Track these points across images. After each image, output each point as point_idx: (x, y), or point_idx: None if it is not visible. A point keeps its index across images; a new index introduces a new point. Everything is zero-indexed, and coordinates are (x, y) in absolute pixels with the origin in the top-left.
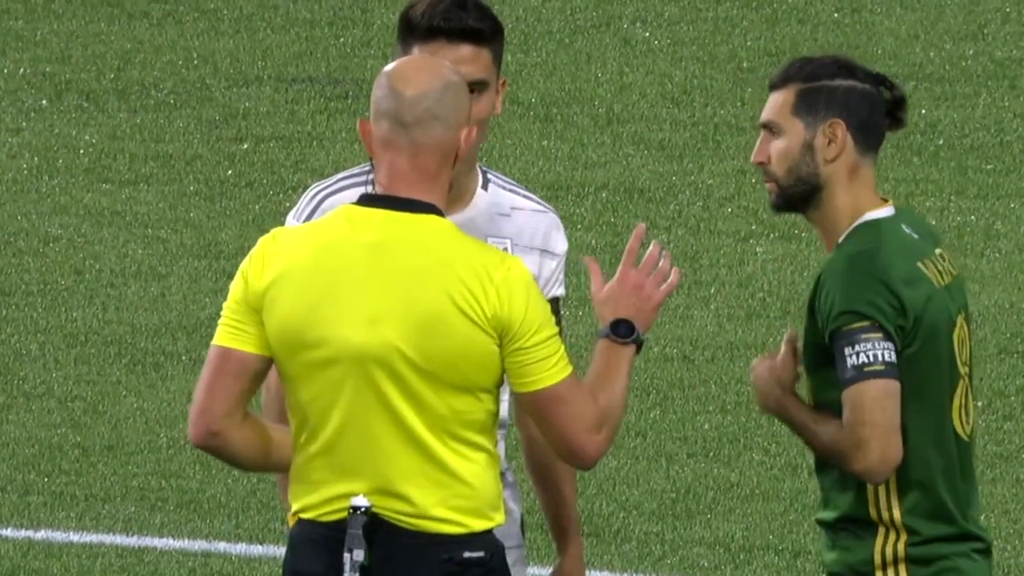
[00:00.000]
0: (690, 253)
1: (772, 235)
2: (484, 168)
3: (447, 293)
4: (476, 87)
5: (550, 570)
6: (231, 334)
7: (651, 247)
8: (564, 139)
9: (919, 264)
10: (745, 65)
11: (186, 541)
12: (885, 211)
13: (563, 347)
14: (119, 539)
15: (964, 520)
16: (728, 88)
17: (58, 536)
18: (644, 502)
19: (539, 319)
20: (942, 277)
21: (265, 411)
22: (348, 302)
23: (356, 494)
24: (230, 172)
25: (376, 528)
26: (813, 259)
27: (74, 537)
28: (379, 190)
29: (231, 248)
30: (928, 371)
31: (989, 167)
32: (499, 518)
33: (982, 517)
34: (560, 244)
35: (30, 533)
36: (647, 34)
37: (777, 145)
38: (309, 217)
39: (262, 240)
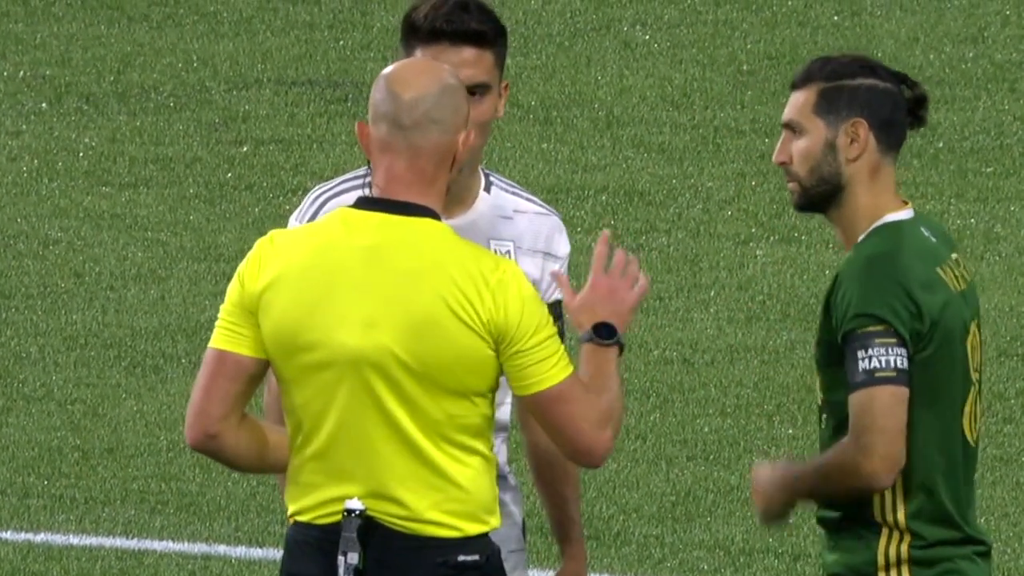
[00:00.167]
0: (690, 256)
1: (772, 238)
2: (487, 171)
3: (442, 297)
4: (478, 90)
5: (551, 574)
6: (227, 337)
7: (617, 252)
8: (564, 142)
9: (937, 269)
10: (745, 68)
11: (186, 544)
12: (905, 213)
13: (563, 347)
14: (119, 542)
15: (966, 524)
16: (728, 91)
17: (58, 539)
18: (644, 505)
19: (536, 321)
20: (958, 283)
21: (267, 411)
22: (343, 305)
23: (351, 497)
24: (230, 175)
25: (370, 531)
26: (813, 262)
27: (74, 540)
28: (376, 193)
29: (231, 251)
30: (941, 376)
31: (989, 170)
32: (494, 522)
33: (981, 520)
34: (563, 247)
35: (30, 536)
36: (647, 37)
37: (799, 145)
38: (311, 219)
39: (258, 243)
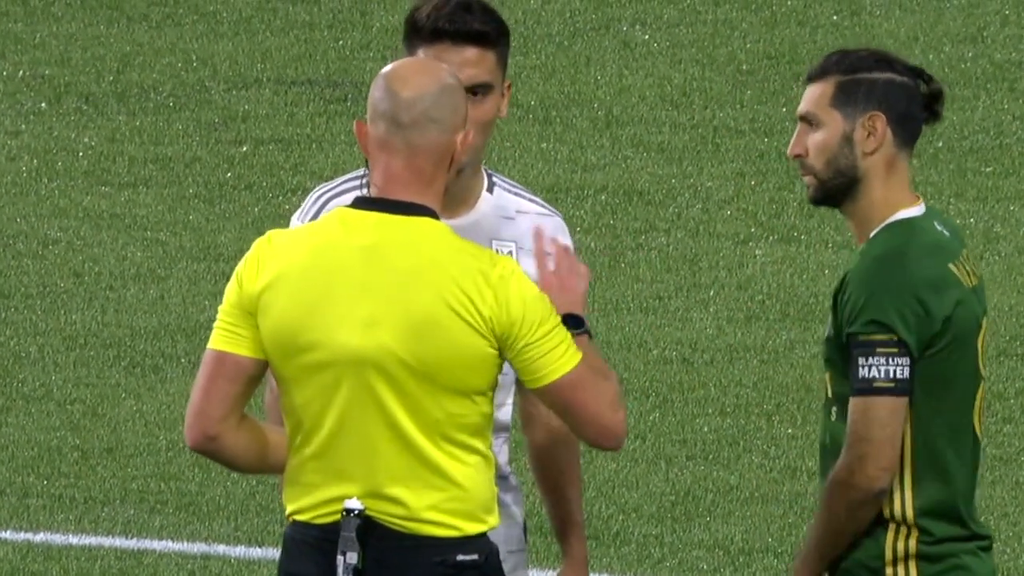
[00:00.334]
0: (689, 256)
1: (771, 238)
2: (489, 171)
3: (442, 296)
4: (480, 90)
5: (551, 574)
6: (226, 338)
7: (557, 249)
8: (563, 141)
9: (950, 265)
10: (744, 68)
11: (185, 544)
12: (917, 209)
13: (567, 335)
14: (118, 541)
15: (972, 519)
16: (727, 91)
17: (57, 539)
18: (643, 505)
19: (540, 312)
20: (970, 278)
21: (267, 411)
22: (343, 305)
23: (349, 496)
24: (229, 175)
25: (369, 531)
26: (812, 262)
27: (73, 540)
28: (374, 192)
29: (230, 251)
30: (954, 372)
31: (988, 169)
32: (493, 521)
33: (980, 519)
34: None
35: (29, 536)
36: (646, 37)
37: (815, 137)
38: (313, 219)
39: (257, 243)
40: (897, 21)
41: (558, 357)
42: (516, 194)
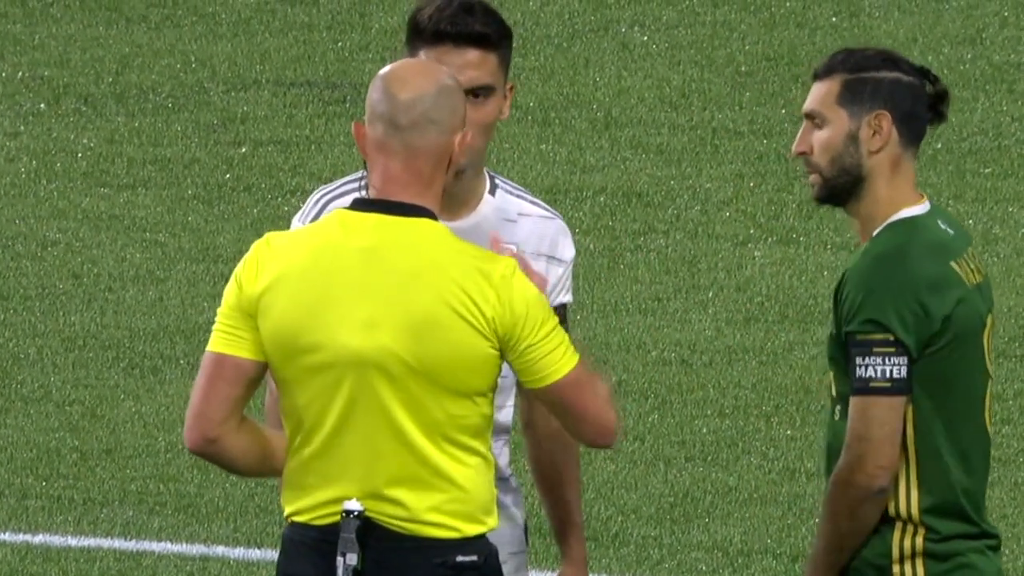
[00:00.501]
0: (688, 257)
1: (770, 239)
2: (492, 173)
3: (442, 297)
4: (482, 92)
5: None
6: (226, 340)
7: (506, 251)
8: (562, 143)
9: (952, 264)
10: (743, 69)
11: (184, 545)
12: (921, 208)
13: (565, 334)
14: (117, 543)
15: (979, 518)
16: (726, 92)
17: (56, 540)
18: (642, 506)
19: (541, 312)
20: (974, 275)
21: (267, 413)
22: (344, 307)
23: (349, 498)
24: (228, 176)
25: (369, 532)
26: (811, 263)
27: (72, 541)
28: (373, 194)
29: (229, 252)
30: (957, 371)
31: (987, 171)
32: (492, 522)
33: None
34: (567, 251)
35: (28, 537)
36: (645, 38)
37: (820, 135)
38: (314, 220)
39: (255, 245)
40: (896, 22)
41: (559, 358)
42: (518, 196)
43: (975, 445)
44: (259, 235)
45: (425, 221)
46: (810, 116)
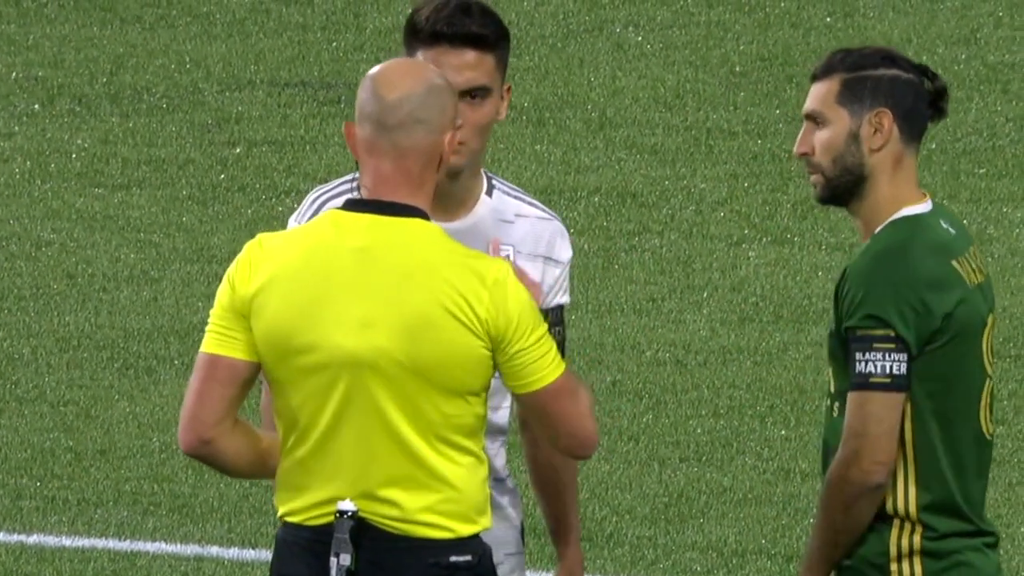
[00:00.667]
0: (683, 257)
1: (764, 239)
2: (489, 174)
3: (436, 297)
4: (479, 93)
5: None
6: (219, 341)
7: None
8: (557, 143)
9: (953, 263)
10: (737, 69)
11: (178, 546)
12: (923, 206)
13: (554, 344)
14: (111, 543)
15: (977, 516)
16: (720, 92)
17: (50, 540)
18: (637, 506)
19: (532, 318)
20: (975, 275)
21: (263, 413)
22: (337, 307)
23: (343, 498)
24: (223, 176)
25: (363, 532)
26: (805, 263)
27: (66, 541)
28: (364, 194)
29: (223, 252)
30: (956, 369)
31: (981, 171)
32: (485, 522)
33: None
34: (564, 252)
35: (22, 537)
36: (639, 38)
37: (821, 135)
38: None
39: (248, 246)
40: (890, 23)
41: (546, 365)
42: (516, 197)
43: (972, 444)
44: (253, 235)
45: (418, 221)
46: (811, 117)
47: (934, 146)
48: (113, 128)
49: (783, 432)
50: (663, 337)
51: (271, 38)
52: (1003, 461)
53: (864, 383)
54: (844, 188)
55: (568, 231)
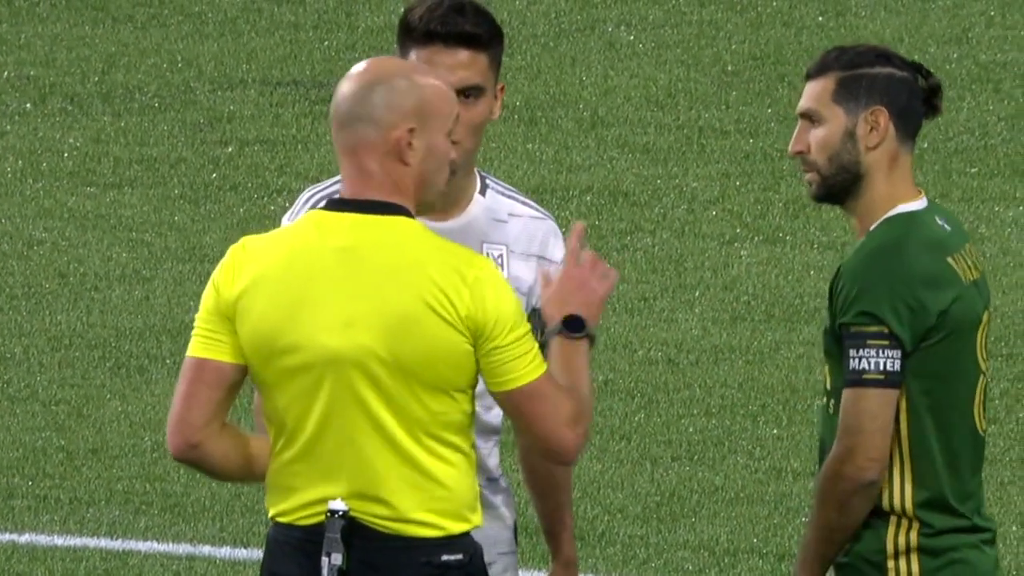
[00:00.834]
0: (675, 256)
1: (757, 238)
2: (483, 173)
3: (419, 294)
4: (472, 92)
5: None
6: (205, 344)
7: (586, 252)
8: (548, 142)
9: (948, 260)
10: (730, 68)
11: (171, 545)
12: (918, 203)
13: (535, 345)
14: (103, 543)
15: (973, 513)
16: (712, 91)
17: (42, 540)
18: (628, 505)
19: (512, 317)
20: (971, 272)
21: (256, 415)
22: (321, 307)
23: (333, 498)
24: (215, 175)
25: (354, 532)
26: (797, 262)
27: (58, 541)
28: (344, 194)
29: (216, 251)
30: (951, 366)
31: (973, 170)
32: (476, 520)
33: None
34: (558, 251)
35: (14, 537)
36: (631, 38)
37: (817, 134)
38: None
39: (231, 249)
40: (882, 22)
41: (523, 366)
42: (509, 197)
43: (967, 440)
44: (246, 234)
45: (400, 219)
46: (806, 115)
47: (926, 145)
48: (105, 127)
49: (775, 431)
50: (655, 336)
51: (263, 37)
52: (995, 460)
53: (858, 380)
54: (840, 186)
55: (560, 230)
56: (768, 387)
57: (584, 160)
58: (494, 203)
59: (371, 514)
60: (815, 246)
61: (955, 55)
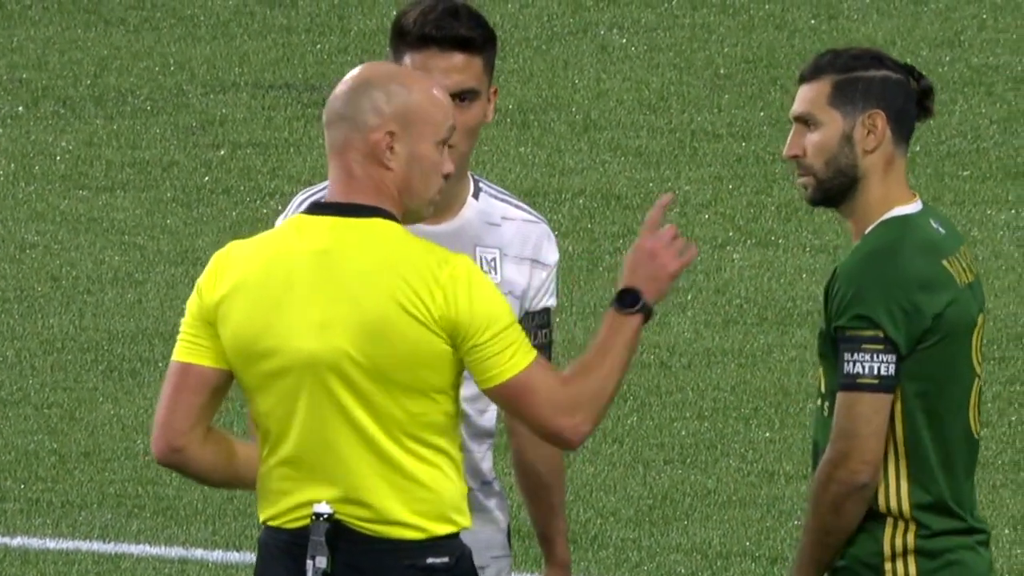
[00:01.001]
0: None
1: (749, 242)
2: (476, 177)
3: (392, 296)
4: (467, 96)
5: None
6: (189, 349)
7: (668, 226)
8: (541, 145)
9: (944, 262)
10: (722, 72)
11: (163, 548)
12: (913, 206)
13: (522, 335)
14: (96, 546)
15: (969, 513)
16: (705, 95)
17: (34, 543)
18: (621, 508)
19: (488, 314)
20: (966, 274)
21: (248, 419)
22: (297, 310)
23: (319, 501)
24: (207, 178)
25: (339, 535)
26: (790, 265)
27: (50, 544)
28: (328, 197)
29: (208, 255)
30: (946, 369)
31: (965, 173)
32: (463, 521)
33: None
34: (551, 255)
35: (6, 540)
36: (624, 41)
37: (813, 137)
38: None
39: (216, 254)
40: (875, 25)
41: (504, 361)
42: (503, 200)
43: (962, 442)
44: (238, 238)
45: (377, 221)
46: (801, 119)
47: (918, 148)
48: (97, 130)
49: (767, 434)
50: (647, 339)
51: (255, 40)
52: (987, 463)
53: (852, 384)
54: (836, 190)
55: (553, 233)
56: (760, 390)
57: (576, 163)
58: (487, 206)
59: (355, 517)
60: (807, 249)
61: (947, 58)
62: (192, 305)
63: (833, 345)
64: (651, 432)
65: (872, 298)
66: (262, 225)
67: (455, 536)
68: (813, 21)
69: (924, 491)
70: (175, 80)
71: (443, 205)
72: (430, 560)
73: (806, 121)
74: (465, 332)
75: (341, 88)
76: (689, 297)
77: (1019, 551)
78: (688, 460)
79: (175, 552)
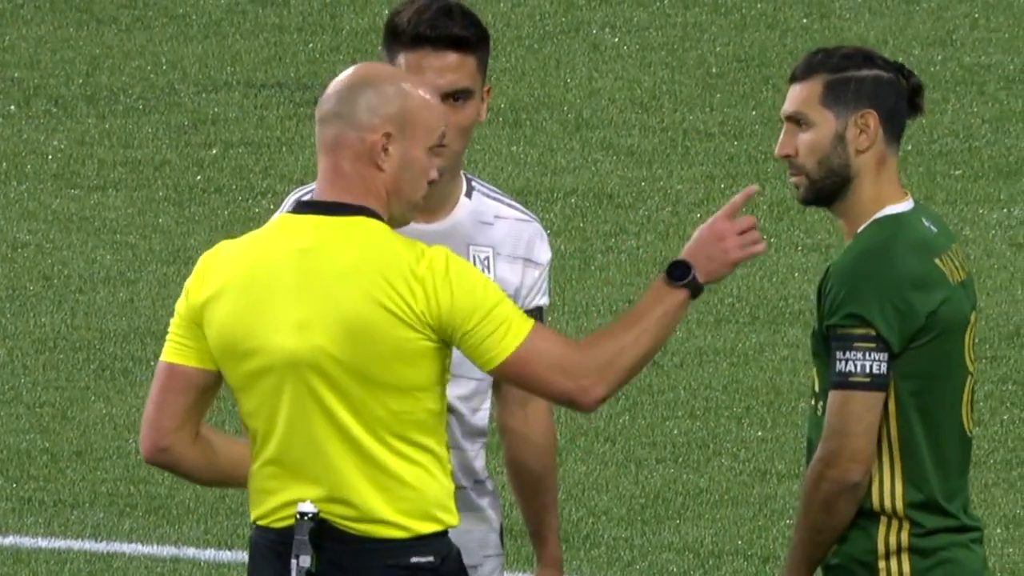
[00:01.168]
0: (659, 258)
1: None
2: (469, 176)
3: (372, 293)
4: (461, 95)
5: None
6: (175, 350)
7: (747, 216)
8: (533, 144)
9: (936, 261)
10: (714, 71)
11: (155, 547)
12: (905, 205)
13: (513, 310)
14: (88, 545)
15: (962, 513)
16: (697, 94)
17: (26, 542)
18: (613, 507)
19: (472, 299)
20: (958, 272)
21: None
22: (279, 309)
23: (304, 500)
24: (199, 177)
25: (324, 534)
26: (782, 265)
27: (42, 543)
28: (314, 195)
29: (200, 254)
30: (939, 367)
31: (957, 172)
32: (449, 520)
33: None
34: (543, 254)
35: None
36: (616, 40)
37: (805, 137)
38: None
39: (203, 255)
40: (866, 24)
41: (499, 339)
42: (495, 199)
43: (955, 441)
44: (230, 236)
45: (361, 219)
46: (793, 118)
47: (910, 147)
48: (89, 129)
49: (759, 433)
50: None
51: (247, 39)
52: (979, 462)
53: (844, 382)
54: (828, 189)
55: (546, 232)
56: (752, 389)
57: (569, 162)
58: (480, 205)
59: (339, 516)
60: (800, 248)
61: (939, 57)
62: (180, 306)
63: (826, 344)
64: (643, 431)
65: (865, 297)
66: (254, 224)
67: (441, 535)
68: (805, 20)
69: (917, 489)
70: (167, 79)
71: (436, 204)
72: (414, 559)
73: (798, 121)
74: (452, 322)
75: (337, 86)
76: None
77: (1011, 550)
78: (680, 459)
79: (167, 551)
